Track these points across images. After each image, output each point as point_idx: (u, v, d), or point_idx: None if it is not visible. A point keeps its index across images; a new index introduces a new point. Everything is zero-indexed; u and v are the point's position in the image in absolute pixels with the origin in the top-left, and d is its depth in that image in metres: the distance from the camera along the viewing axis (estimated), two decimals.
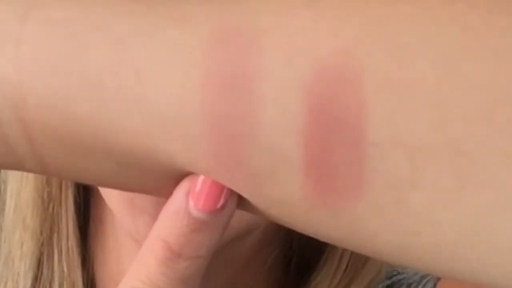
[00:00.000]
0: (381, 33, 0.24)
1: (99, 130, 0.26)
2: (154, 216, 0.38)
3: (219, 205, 0.26)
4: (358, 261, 0.47)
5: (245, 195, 0.26)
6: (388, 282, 0.49)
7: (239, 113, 0.25)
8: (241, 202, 0.27)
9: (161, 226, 0.27)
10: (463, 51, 0.24)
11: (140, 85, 0.25)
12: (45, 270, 0.45)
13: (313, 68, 0.24)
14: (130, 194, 0.39)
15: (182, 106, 0.25)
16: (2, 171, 0.48)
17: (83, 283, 0.45)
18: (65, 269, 0.45)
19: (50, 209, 0.45)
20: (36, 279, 0.46)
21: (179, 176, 0.27)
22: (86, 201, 0.47)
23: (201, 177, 0.26)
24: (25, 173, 0.46)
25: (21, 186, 0.46)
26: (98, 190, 0.43)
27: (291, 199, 0.26)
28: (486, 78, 0.23)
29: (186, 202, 0.27)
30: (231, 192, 0.26)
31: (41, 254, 0.45)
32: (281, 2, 0.26)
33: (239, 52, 0.25)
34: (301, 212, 0.26)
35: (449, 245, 0.25)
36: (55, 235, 0.45)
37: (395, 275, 0.49)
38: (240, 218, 0.29)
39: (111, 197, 0.40)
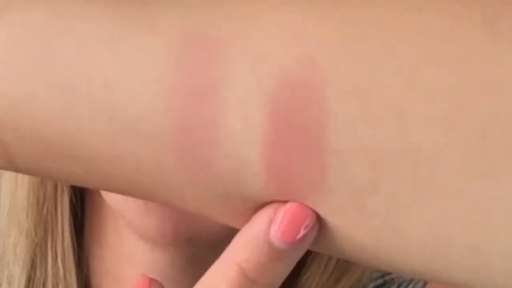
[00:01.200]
0: (346, 39, 0.25)
1: (66, 134, 0.27)
2: (165, 216, 0.38)
3: (301, 236, 0.26)
4: None
5: (211, 197, 0.27)
6: (380, 280, 0.50)
7: (203, 120, 0.25)
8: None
9: (237, 250, 0.27)
10: (426, 58, 0.24)
11: (108, 90, 0.26)
12: (38, 272, 0.45)
13: (276, 76, 0.25)
14: None
15: (148, 112, 0.26)
16: None
17: (78, 284, 0.45)
18: (60, 270, 0.45)
19: (45, 210, 0.45)
20: (30, 280, 0.46)
21: (145, 181, 0.27)
22: (82, 199, 0.47)
23: (286, 206, 0.26)
24: (20, 174, 0.46)
25: (16, 187, 0.46)
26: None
27: (254, 199, 0.26)
28: (447, 85, 0.24)
29: (267, 230, 0.26)
30: (313, 222, 0.26)
31: (35, 255, 0.45)
32: (247, 7, 0.26)
33: (205, 58, 0.25)
34: None
35: (409, 249, 0.25)
36: (50, 236, 0.45)
37: (387, 273, 0.50)
38: None
39: (119, 196, 0.40)
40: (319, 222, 0.26)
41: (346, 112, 0.24)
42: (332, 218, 0.25)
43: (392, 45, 0.24)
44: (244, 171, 0.25)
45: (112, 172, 0.27)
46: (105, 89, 0.26)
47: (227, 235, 0.39)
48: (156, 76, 0.25)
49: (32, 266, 0.46)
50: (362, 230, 0.25)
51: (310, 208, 0.26)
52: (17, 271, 0.46)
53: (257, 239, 0.26)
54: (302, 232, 0.26)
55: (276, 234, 0.26)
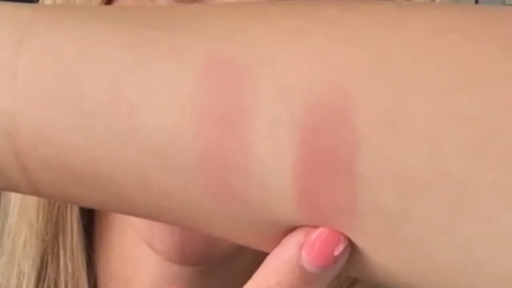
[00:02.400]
0: (374, 64, 0.25)
1: (91, 162, 0.26)
2: (172, 235, 0.38)
3: (333, 260, 0.26)
4: None
5: (240, 223, 0.27)
6: None
7: (232, 147, 0.25)
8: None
9: (269, 273, 0.27)
10: (455, 84, 0.24)
11: (134, 118, 0.26)
12: (50, 270, 0.45)
13: (305, 102, 0.25)
14: None
15: (175, 139, 0.25)
16: None
17: (88, 283, 0.45)
18: (70, 269, 0.45)
19: (56, 209, 0.45)
20: (40, 278, 0.46)
21: (174, 207, 0.27)
22: None
23: (318, 231, 0.26)
24: None
25: None
26: None
27: (284, 225, 0.26)
28: (478, 112, 0.24)
29: (298, 254, 0.26)
30: (346, 246, 0.26)
31: (46, 254, 0.45)
32: (272, 31, 0.26)
33: (232, 85, 0.25)
34: None
35: (440, 273, 0.25)
36: (61, 235, 0.45)
37: None
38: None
39: None
40: (351, 246, 0.26)
41: (377, 138, 0.24)
42: (363, 243, 0.25)
43: (420, 69, 0.24)
44: (274, 198, 0.25)
45: (138, 199, 0.27)
46: (131, 116, 0.26)
47: (235, 253, 0.39)
48: (183, 103, 0.25)
49: (42, 264, 0.46)
50: (393, 255, 0.25)
51: (342, 233, 0.26)
52: (27, 268, 0.46)
53: (288, 263, 0.26)
54: (334, 257, 0.26)
55: (308, 258, 0.26)
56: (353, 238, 0.25)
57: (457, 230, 0.24)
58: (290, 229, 0.26)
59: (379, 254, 0.25)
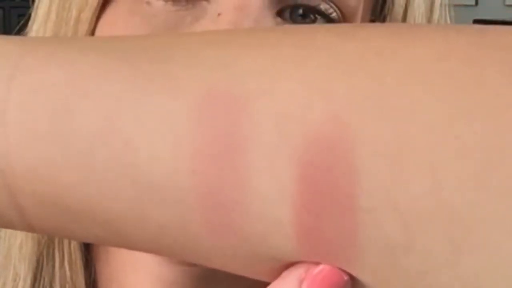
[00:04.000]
0: (372, 95, 0.24)
1: (87, 198, 0.26)
2: None
3: None
4: None
5: (240, 259, 0.26)
6: None
7: (229, 182, 0.25)
8: None
9: None
10: (455, 113, 0.24)
11: (130, 154, 0.25)
12: (45, 273, 0.45)
13: (303, 136, 0.24)
14: None
15: (173, 175, 0.25)
16: None
17: (86, 285, 0.45)
18: (67, 272, 0.45)
19: None
20: (36, 281, 0.46)
21: (171, 243, 0.27)
22: None
23: (318, 268, 0.25)
24: None
25: None
26: None
27: (284, 260, 0.26)
28: (478, 141, 0.24)
29: None
30: (346, 283, 0.26)
31: (41, 256, 0.45)
32: (268, 60, 0.26)
33: (228, 119, 0.25)
34: None
35: None
36: (57, 238, 0.45)
37: None
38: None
39: None
40: (352, 281, 0.26)
41: (377, 171, 0.24)
42: (365, 277, 0.25)
43: (419, 99, 0.24)
44: (273, 233, 0.25)
45: (135, 235, 0.27)
46: (127, 152, 0.25)
47: None
48: (178, 138, 0.25)
49: (38, 267, 0.46)
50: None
51: (343, 271, 0.25)
52: (23, 271, 0.46)
53: None
54: None
55: None
56: (354, 273, 0.25)
57: (460, 262, 0.24)
58: (291, 264, 0.26)
59: (380, 286, 0.25)
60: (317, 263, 0.26)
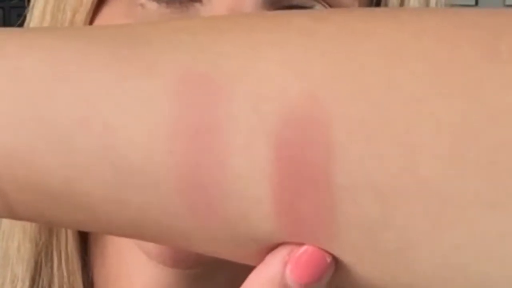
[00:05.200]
0: (348, 74, 0.25)
1: (68, 182, 0.26)
2: None
3: (316, 277, 0.26)
4: None
5: (220, 240, 0.27)
6: None
7: (208, 163, 0.25)
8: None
9: None
10: (430, 90, 0.24)
11: (109, 136, 0.26)
12: (43, 274, 0.45)
13: (279, 114, 0.25)
14: None
15: (151, 157, 0.26)
16: None
17: (84, 287, 0.45)
18: (65, 273, 0.45)
19: None
20: (34, 282, 0.46)
21: (152, 225, 0.27)
22: None
23: (302, 249, 0.26)
24: None
25: None
26: None
27: (265, 240, 0.26)
28: (454, 117, 0.24)
29: (282, 272, 0.26)
30: (330, 263, 0.26)
31: (39, 258, 0.45)
32: (245, 43, 0.26)
33: (206, 101, 0.25)
34: None
35: (424, 281, 0.25)
36: (54, 240, 0.45)
37: None
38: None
39: None
40: (335, 261, 0.26)
41: (353, 147, 0.24)
42: (345, 256, 0.26)
43: (394, 77, 0.24)
44: (253, 212, 0.25)
45: (116, 218, 0.27)
46: (106, 135, 0.26)
47: None
48: (156, 119, 0.25)
49: (36, 268, 0.46)
50: (376, 266, 0.25)
51: (326, 252, 0.26)
52: (21, 272, 0.46)
53: (272, 281, 0.26)
54: (318, 274, 0.26)
55: (292, 276, 0.26)
56: (335, 251, 0.26)
57: (439, 237, 0.24)
58: (273, 246, 0.26)
59: (362, 266, 0.26)
60: (300, 244, 0.26)
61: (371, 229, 0.25)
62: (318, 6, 0.40)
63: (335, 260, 0.26)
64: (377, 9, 0.28)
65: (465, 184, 0.24)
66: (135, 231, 0.28)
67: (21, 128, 0.26)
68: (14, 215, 0.28)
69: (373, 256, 0.25)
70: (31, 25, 0.45)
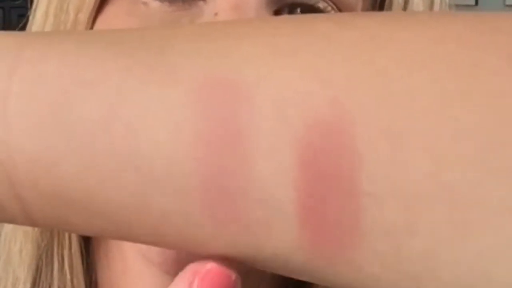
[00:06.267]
0: (371, 80, 0.25)
1: (88, 188, 0.26)
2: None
3: None
4: None
5: (241, 247, 0.27)
6: None
7: (231, 168, 0.25)
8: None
9: None
10: (453, 95, 0.24)
11: (131, 141, 0.26)
12: (44, 277, 0.45)
13: (304, 121, 0.25)
14: None
15: (173, 161, 0.25)
16: None
17: None
18: (68, 276, 0.45)
19: None
20: (35, 284, 0.46)
21: (173, 231, 0.27)
22: None
23: (206, 268, 0.26)
24: None
25: None
26: None
27: (287, 250, 0.26)
28: (476, 123, 0.24)
29: None
30: (235, 282, 0.26)
31: (41, 260, 0.45)
32: (266, 49, 0.26)
33: (228, 106, 0.25)
34: (298, 262, 0.26)
35: (448, 287, 0.25)
36: (56, 242, 0.45)
37: None
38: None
39: None
40: (358, 267, 0.26)
41: (378, 154, 0.24)
42: (369, 262, 0.25)
43: (417, 82, 0.24)
44: (276, 219, 0.25)
45: (136, 224, 0.27)
46: (128, 140, 0.25)
47: None
48: (179, 124, 0.25)
49: (37, 270, 0.45)
50: (400, 273, 0.25)
51: (230, 270, 0.26)
52: (22, 274, 0.46)
53: None
54: None
55: None
56: (358, 258, 0.25)
57: (464, 243, 0.24)
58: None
59: (386, 274, 0.25)
60: (206, 263, 0.26)
61: (396, 236, 0.25)
62: (322, 3, 0.40)
63: (358, 265, 0.25)
64: (400, 12, 0.27)
65: (489, 190, 0.24)
66: (156, 238, 0.28)
67: (42, 133, 0.26)
68: (31, 222, 0.28)
69: (398, 263, 0.25)
70: (34, 26, 0.45)
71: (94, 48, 0.27)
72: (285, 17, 0.35)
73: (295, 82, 0.25)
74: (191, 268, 0.27)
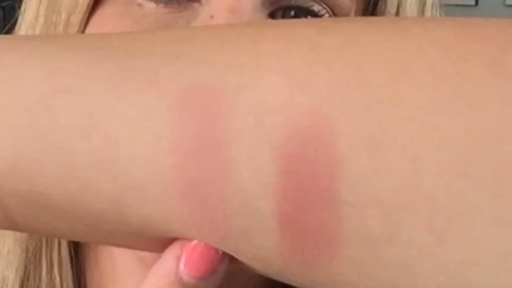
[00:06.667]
0: (353, 88, 0.25)
1: (69, 194, 0.26)
2: None
3: (210, 271, 0.26)
4: None
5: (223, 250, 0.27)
6: None
7: (210, 176, 0.25)
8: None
9: None
10: (436, 104, 0.24)
11: (110, 148, 0.26)
12: (31, 279, 0.45)
13: (283, 128, 0.24)
14: None
15: (153, 170, 0.25)
16: None
17: None
18: (57, 278, 0.44)
19: None
20: (23, 286, 0.45)
21: (154, 236, 0.27)
22: None
23: (193, 243, 0.26)
24: None
25: None
26: None
27: (267, 257, 0.26)
28: (459, 132, 0.24)
29: (176, 267, 0.27)
30: (222, 256, 0.26)
31: (29, 263, 0.45)
32: (248, 55, 0.26)
33: (209, 114, 0.25)
34: (277, 267, 0.26)
35: None
36: (44, 245, 0.44)
37: None
38: None
39: None
40: (335, 274, 0.25)
41: (358, 163, 0.24)
42: (349, 271, 0.25)
43: (399, 91, 0.24)
44: (256, 228, 0.25)
45: (117, 230, 0.27)
46: (107, 147, 0.25)
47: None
48: (158, 132, 0.25)
49: (25, 273, 0.45)
50: (379, 281, 0.25)
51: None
52: (11, 277, 0.46)
53: (167, 277, 0.27)
54: (211, 268, 0.26)
55: (186, 270, 0.26)
56: (337, 266, 0.25)
57: (443, 253, 0.24)
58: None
59: (366, 282, 0.25)
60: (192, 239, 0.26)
61: (375, 245, 0.25)
62: (316, 6, 0.40)
63: (336, 274, 0.25)
64: (383, 19, 0.27)
65: (469, 200, 0.24)
66: (137, 244, 0.28)
67: (21, 140, 0.26)
68: (14, 227, 0.28)
69: (377, 271, 0.25)
70: (23, 27, 0.44)
71: (75, 53, 0.26)
72: (266, 22, 0.35)
73: (276, 89, 0.25)
74: (178, 243, 0.27)
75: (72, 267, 0.45)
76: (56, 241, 0.44)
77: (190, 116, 0.25)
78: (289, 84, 0.25)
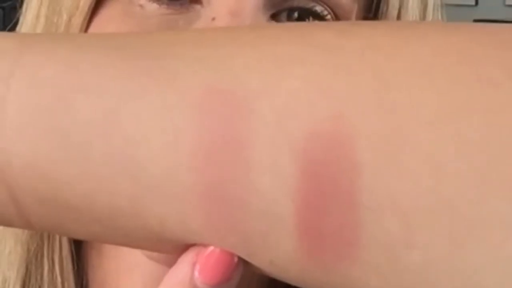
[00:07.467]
0: (372, 92, 0.25)
1: (86, 194, 0.26)
2: None
3: (225, 278, 0.26)
4: None
5: (238, 254, 0.27)
6: None
7: (230, 179, 0.25)
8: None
9: None
10: (456, 108, 0.24)
11: (129, 148, 0.25)
12: (33, 279, 0.45)
13: (304, 132, 0.24)
14: None
15: (172, 171, 0.25)
16: None
17: None
18: (58, 278, 0.44)
19: None
20: (25, 286, 0.45)
21: (170, 238, 0.27)
22: None
23: (208, 250, 0.26)
24: None
25: None
26: None
27: (285, 260, 0.26)
28: (478, 137, 0.24)
29: (191, 274, 0.26)
30: (238, 263, 0.26)
31: (30, 263, 0.45)
32: (267, 58, 0.26)
33: (229, 116, 0.25)
34: (295, 271, 0.26)
35: None
36: (46, 245, 0.44)
37: None
38: None
39: None
40: (354, 278, 0.25)
41: (378, 167, 0.24)
42: (367, 274, 0.25)
43: (419, 95, 0.24)
44: (274, 230, 0.25)
45: (133, 231, 0.27)
46: (126, 147, 0.25)
47: None
48: (178, 134, 0.25)
49: (27, 273, 0.45)
50: (397, 285, 0.25)
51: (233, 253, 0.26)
52: (12, 276, 0.46)
53: (182, 283, 0.26)
54: (227, 275, 0.26)
55: (201, 277, 0.26)
56: (355, 270, 0.25)
57: (461, 258, 0.24)
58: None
59: (382, 285, 0.25)
60: (208, 246, 0.26)
61: (394, 249, 0.24)
62: (318, 7, 0.40)
63: (355, 278, 0.25)
64: (402, 23, 0.27)
65: (489, 206, 0.23)
66: (154, 246, 0.27)
67: (40, 139, 0.26)
68: (29, 226, 0.28)
69: (394, 276, 0.25)
70: (24, 28, 0.44)
71: (94, 53, 0.26)
72: (285, 25, 0.35)
73: (296, 93, 0.25)
74: (193, 249, 0.26)
75: (73, 266, 0.45)
76: (57, 240, 0.44)
77: (210, 118, 0.25)
78: (309, 88, 0.25)
